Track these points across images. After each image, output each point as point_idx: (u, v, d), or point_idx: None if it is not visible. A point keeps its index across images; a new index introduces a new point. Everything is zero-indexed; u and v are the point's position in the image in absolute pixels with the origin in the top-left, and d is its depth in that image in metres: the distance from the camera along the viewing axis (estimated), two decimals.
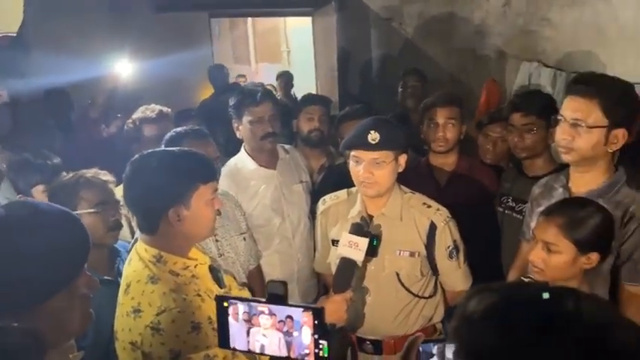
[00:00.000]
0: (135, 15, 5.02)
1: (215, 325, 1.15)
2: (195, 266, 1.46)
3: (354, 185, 1.95)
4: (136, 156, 1.47)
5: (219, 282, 1.51)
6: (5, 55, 4.72)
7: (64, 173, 1.97)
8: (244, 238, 2.23)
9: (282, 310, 1.07)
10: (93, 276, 1.09)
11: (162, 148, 1.89)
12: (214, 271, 1.53)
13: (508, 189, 2.36)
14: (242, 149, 2.51)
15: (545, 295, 0.66)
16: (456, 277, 1.96)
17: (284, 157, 2.55)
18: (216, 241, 2.09)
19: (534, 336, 0.62)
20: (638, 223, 1.64)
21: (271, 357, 1.10)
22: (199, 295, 1.40)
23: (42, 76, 4.05)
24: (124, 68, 3.56)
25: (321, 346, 1.05)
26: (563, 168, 1.92)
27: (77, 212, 1.60)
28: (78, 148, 3.58)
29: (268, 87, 3.54)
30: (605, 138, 1.63)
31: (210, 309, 1.34)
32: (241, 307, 1.10)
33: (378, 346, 1.95)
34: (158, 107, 2.71)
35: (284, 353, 1.07)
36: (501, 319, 0.66)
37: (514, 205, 2.30)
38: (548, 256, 1.54)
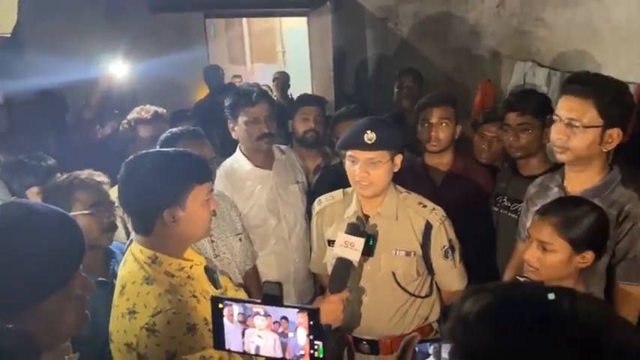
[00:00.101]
0: (130, 15, 5.00)
1: (211, 326, 1.15)
2: (190, 267, 1.46)
3: (349, 185, 1.95)
4: (131, 157, 1.46)
5: (214, 283, 1.51)
6: None
7: (59, 175, 1.96)
8: (240, 239, 2.23)
9: (277, 311, 1.06)
10: (88, 277, 1.08)
11: (158, 148, 1.89)
12: (210, 272, 1.52)
13: (503, 189, 2.36)
14: (238, 150, 2.51)
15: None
16: (452, 276, 1.97)
17: (280, 158, 2.55)
18: (212, 241, 2.09)
19: (530, 336, 0.63)
20: (633, 222, 1.64)
21: (266, 358, 1.10)
22: (195, 296, 1.40)
23: (36, 77, 4.03)
24: (118, 69, 3.55)
25: (316, 347, 1.05)
26: (557, 167, 1.93)
27: (71, 214, 1.59)
28: (72, 149, 3.57)
29: (264, 87, 3.53)
30: (600, 137, 1.63)
31: (205, 310, 1.34)
32: (236, 309, 1.10)
33: (374, 346, 1.95)
34: (153, 108, 2.70)
35: (279, 354, 1.07)
36: (497, 320, 0.66)
37: (509, 204, 2.30)
38: (544, 255, 1.55)
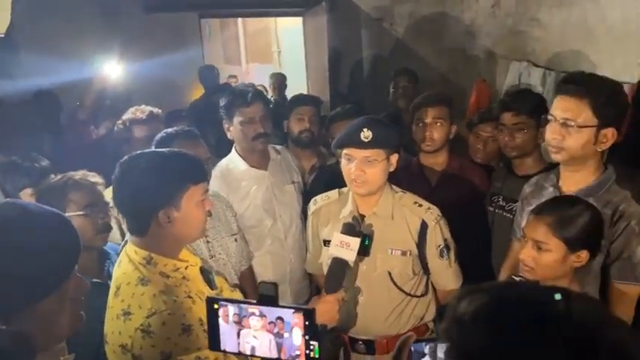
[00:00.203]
0: (125, 15, 4.99)
1: (206, 327, 1.14)
2: (185, 268, 1.45)
3: (345, 185, 1.95)
4: (126, 157, 1.45)
5: (210, 283, 1.50)
6: None
7: (52, 176, 1.95)
8: (235, 239, 2.22)
9: (272, 312, 1.06)
10: (84, 278, 1.08)
11: (152, 149, 1.88)
12: (205, 273, 1.52)
13: (498, 188, 2.37)
14: (233, 150, 2.50)
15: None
16: (447, 275, 1.97)
17: (275, 158, 2.54)
18: (207, 242, 2.08)
19: (525, 336, 0.63)
20: (627, 222, 1.65)
21: (262, 358, 1.10)
22: (190, 297, 1.39)
23: (30, 77, 4.01)
24: (113, 69, 3.54)
25: (312, 347, 1.04)
26: (552, 167, 1.94)
27: (65, 215, 1.58)
28: (67, 150, 3.55)
29: (259, 87, 3.53)
30: (594, 137, 1.64)
31: (201, 311, 1.33)
32: (231, 309, 1.09)
33: (370, 346, 1.95)
34: (148, 108, 2.69)
35: (274, 355, 1.07)
36: (492, 320, 0.66)
37: (504, 204, 2.31)
38: (539, 254, 1.55)
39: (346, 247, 1.68)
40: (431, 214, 1.91)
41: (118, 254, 1.57)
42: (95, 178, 1.93)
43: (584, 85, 1.64)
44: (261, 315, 1.07)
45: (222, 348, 1.11)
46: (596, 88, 1.63)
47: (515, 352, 0.62)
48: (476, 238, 2.32)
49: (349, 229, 1.73)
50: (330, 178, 2.28)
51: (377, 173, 1.83)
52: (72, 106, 3.76)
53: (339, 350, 1.94)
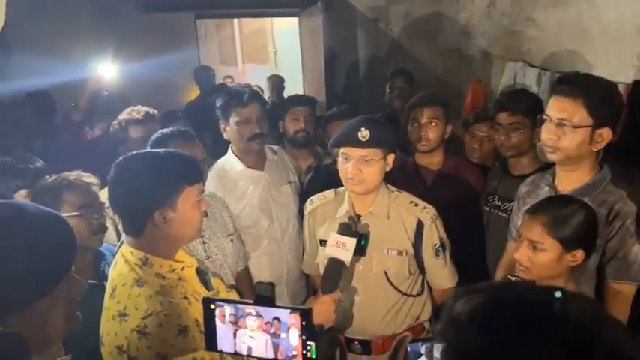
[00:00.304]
0: (120, 16, 4.98)
1: (202, 328, 1.14)
2: (181, 269, 1.45)
3: (341, 185, 1.95)
4: (121, 158, 1.45)
5: (206, 284, 1.50)
6: None
7: (47, 177, 1.94)
8: (232, 240, 2.22)
9: (269, 312, 1.06)
10: (80, 279, 1.07)
11: (148, 149, 1.87)
12: (201, 274, 1.52)
13: (494, 188, 2.37)
14: (229, 150, 2.50)
15: (558, 294, 0.66)
16: (443, 274, 1.98)
17: (272, 158, 2.54)
18: (204, 242, 2.08)
19: (521, 336, 0.63)
20: (622, 221, 1.65)
21: (258, 359, 1.10)
22: (186, 298, 1.39)
23: (25, 78, 4.00)
24: (108, 70, 3.52)
25: (309, 347, 1.04)
26: (548, 167, 1.94)
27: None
28: (62, 151, 3.54)
29: (255, 88, 3.52)
30: (589, 137, 1.64)
31: (197, 311, 1.33)
32: (228, 309, 1.09)
33: (366, 346, 1.95)
34: (144, 109, 2.69)
35: (271, 355, 1.07)
36: (488, 320, 0.66)
37: (500, 204, 2.31)
38: (534, 254, 1.56)
39: (342, 248, 1.68)
40: (427, 213, 1.91)
41: (113, 255, 1.57)
42: (90, 178, 1.92)
43: (579, 85, 1.65)
44: (258, 315, 1.07)
45: (218, 348, 1.11)
46: (591, 88, 1.64)
47: (512, 352, 0.62)
48: (471, 237, 2.32)
49: (345, 229, 1.73)
50: (326, 178, 2.29)
51: (374, 173, 1.83)
52: (67, 107, 3.75)
53: (335, 350, 1.93)
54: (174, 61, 4.90)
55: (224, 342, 1.10)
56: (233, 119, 2.37)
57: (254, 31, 10.18)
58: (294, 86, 5.84)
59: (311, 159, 2.82)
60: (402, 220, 1.91)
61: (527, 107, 2.26)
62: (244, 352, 1.09)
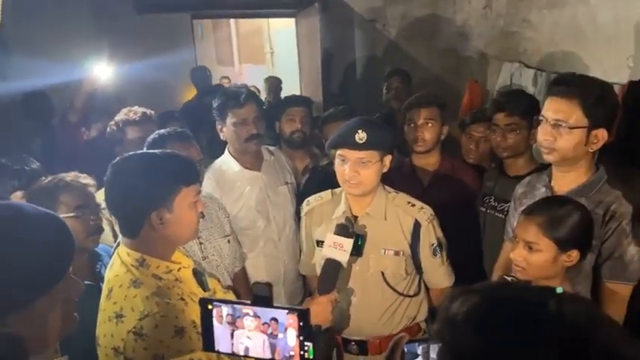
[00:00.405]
0: (117, 16, 4.97)
1: (199, 329, 1.14)
2: (178, 270, 1.45)
3: (338, 186, 1.95)
4: (118, 158, 1.45)
5: (202, 285, 1.50)
6: None
7: (43, 178, 1.93)
8: (228, 241, 2.22)
9: (266, 312, 1.06)
10: (77, 279, 1.07)
11: (145, 150, 1.87)
12: (198, 275, 1.52)
13: (490, 189, 2.38)
14: (226, 151, 2.50)
15: (559, 290, 0.66)
16: (440, 274, 1.98)
17: (269, 159, 2.54)
18: (200, 243, 2.08)
19: (517, 336, 0.63)
20: (619, 222, 1.66)
21: (255, 359, 1.10)
22: (183, 299, 1.38)
23: (21, 78, 3.99)
24: (104, 70, 3.51)
25: (306, 348, 1.04)
26: (544, 168, 1.95)
27: None
28: (58, 152, 3.53)
29: (252, 88, 3.52)
30: (585, 138, 1.65)
31: (194, 313, 1.33)
32: (225, 310, 1.09)
33: (363, 347, 1.95)
34: (141, 109, 2.68)
35: (268, 355, 1.07)
36: (484, 320, 0.66)
37: (496, 204, 2.32)
38: (530, 254, 1.56)
39: (339, 248, 1.68)
40: (424, 213, 1.92)
41: (110, 256, 1.56)
42: (86, 179, 1.92)
43: (574, 86, 1.65)
44: (255, 316, 1.06)
45: (216, 349, 1.11)
46: (587, 89, 1.65)
47: (508, 353, 0.63)
48: (468, 238, 2.33)
49: (342, 230, 1.74)
50: (323, 179, 2.29)
51: (371, 174, 1.84)
52: (63, 108, 3.74)
53: (332, 351, 1.94)
54: (171, 62, 4.90)
55: (221, 343, 1.10)
56: (230, 120, 2.37)
57: (251, 31, 10.18)
58: (290, 87, 5.84)
59: (307, 159, 2.82)
60: (399, 220, 1.91)
61: (524, 108, 2.27)
62: (242, 353, 1.09)
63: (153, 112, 2.73)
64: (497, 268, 2.02)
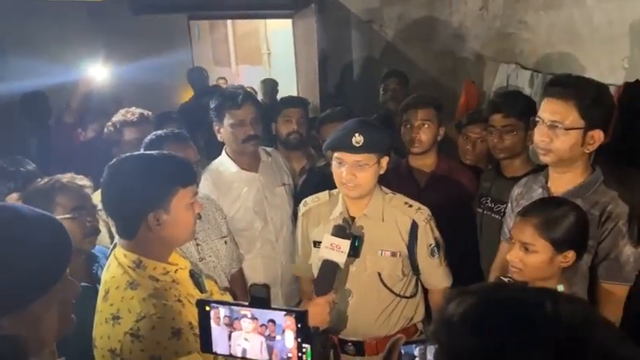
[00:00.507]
0: (113, 17, 4.96)
1: (196, 331, 1.14)
2: (175, 271, 1.44)
3: (335, 187, 1.95)
4: (114, 160, 1.44)
5: (199, 287, 1.50)
6: None
7: (39, 179, 1.93)
8: (225, 242, 2.21)
9: (264, 314, 1.06)
10: (74, 281, 1.07)
11: (142, 151, 1.87)
12: (195, 276, 1.51)
13: (487, 189, 2.38)
14: (223, 152, 2.49)
15: (560, 288, 0.67)
16: (438, 274, 1.98)
17: (266, 160, 2.54)
18: (197, 245, 2.08)
19: (513, 337, 0.63)
20: (615, 222, 1.66)
21: None
22: (180, 301, 1.38)
23: (18, 79, 3.98)
24: (101, 71, 3.51)
25: (304, 350, 1.04)
26: (540, 169, 1.95)
27: None
28: (54, 153, 3.52)
29: (249, 89, 3.52)
30: (582, 139, 1.65)
31: (191, 314, 1.33)
32: (223, 311, 1.09)
33: (360, 347, 1.95)
34: (139, 110, 2.67)
35: (265, 357, 1.06)
36: (480, 321, 0.66)
37: (493, 205, 2.32)
38: (526, 255, 1.56)
39: (337, 250, 1.68)
40: (421, 214, 1.92)
41: (106, 258, 1.56)
42: (83, 180, 1.91)
43: (570, 87, 1.66)
44: (253, 317, 1.06)
45: (214, 350, 1.11)
46: (583, 90, 1.65)
47: (504, 354, 0.63)
48: (464, 239, 2.33)
49: (339, 231, 1.74)
50: (320, 180, 2.29)
51: (368, 177, 1.84)
52: (59, 109, 3.73)
53: (329, 352, 1.94)
54: (168, 63, 4.90)
55: (219, 344, 1.10)
56: (227, 121, 2.37)
57: (248, 32, 10.17)
58: (287, 88, 5.84)
59: (304, 160, 2.82)
60: (396, 221, 1.91)
61: (521, 109, 2.27)
62: (239, 355, 1.09)
63: (150, 113, 2.73)
64: (494, 269, 2.03)
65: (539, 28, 3.42)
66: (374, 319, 1.93)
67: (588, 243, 1.61)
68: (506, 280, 1.64)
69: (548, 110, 1.68)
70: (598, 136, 1.66)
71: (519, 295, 0.71)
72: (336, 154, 1.86)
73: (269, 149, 2.65)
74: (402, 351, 1.54)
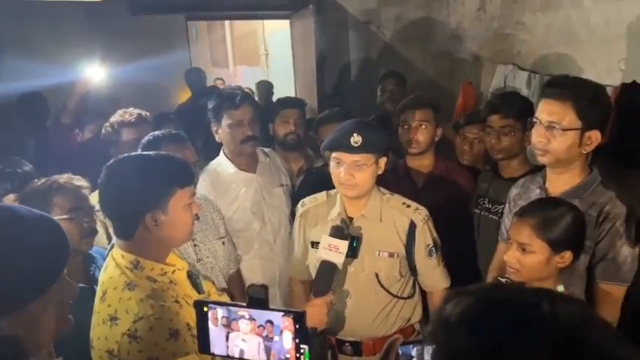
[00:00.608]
0: (111, 18, 4.95)
1: (194, 332, 1.14)
2: (173, 272, 1.44)
3: (333, 188, 1.95)
4: (112, 160, 1.44)
5: (197, 288, 1.49)
6: None
7: (36, 180, 1.92)
8: (223, 243, 2.21)
9: (261, 315, 1.06)
10: (72, 281, 1.07)
11: (140, 152, 1.87)
12: (192, 277, 1.51)
13: (484, 190, 2.38)
14: (221, 153, 2.49)
15: (560, 288, 0.67)
16: (436, 275, 1.98)
17: (264, 161, 2.54)
18: (195, 245, 2.07)
19: (510, 338, 0.63)
20: (612, 223, 1.67)
21: None
22: (177, 302, 1.38)
23: (15, 80, 3.97)
24: (98, 72, 3.50)
25: (302, 351, 1.04)
26: (538, 169, 1.96)
27: None
28: (52, 154, 3.51)
29: (246, 90, 3.52)
30: (579, 140, 1.66)
31: (188, 315, 1.33)
32: (220, 312, 1.09)
33: (357, 348, 1.95)
34: (137, 111, 2.67)
35: (263, 358, 1.06)
36: (478, 322, 0.66)
37: (490, 206, 2.32)
38: (523, 256, 1.57)
39: (335, 250, 1.68)
40: (419, 214, 1.92)
41: (104, 258, 1.56)
42: (80, 181, 1.91)
43: (568, 88, 1.66)
44: (251, 318, 1.06)
45: (211, 351, 1.11)
46: (580, 91, 1.66)
47: (501, 354, 0.63)
48: (462, 240, 2.33)
49: (337, 232, 1.74)
50: (317, 181, 2.29)
51: (366, 177, 1.84)
52: (57, 109, 3.72)
53: (326, 353, 1.93)
54: (165, 63, 4.89)
55: (216, 345, 1.10)
56: (225, 121, 2.37)
57: (245, 33, 10.16)
58: (285, 89, 5.84)
59: (302, 161, 2.82)
60: (394, 222, 1.91)
61: (519, 110, 2.27)
62: (237, 356, 1.09)
63: (148, 113, 2.73)
64: (492, 269, 2.03)
65: (536, 29, 3.43)
66: (371, 320, 1.93)
67: (586, 243, 1.62)
68: (503, 280, 1.64)
69: (546, 111, 1.68)
70: (595, 136, 1.66)
71: (517, 295, 0.71)
72: (334, 155, 1.86)
73: (267, 150, 2.65)
74: (400, 351, 1.53)
